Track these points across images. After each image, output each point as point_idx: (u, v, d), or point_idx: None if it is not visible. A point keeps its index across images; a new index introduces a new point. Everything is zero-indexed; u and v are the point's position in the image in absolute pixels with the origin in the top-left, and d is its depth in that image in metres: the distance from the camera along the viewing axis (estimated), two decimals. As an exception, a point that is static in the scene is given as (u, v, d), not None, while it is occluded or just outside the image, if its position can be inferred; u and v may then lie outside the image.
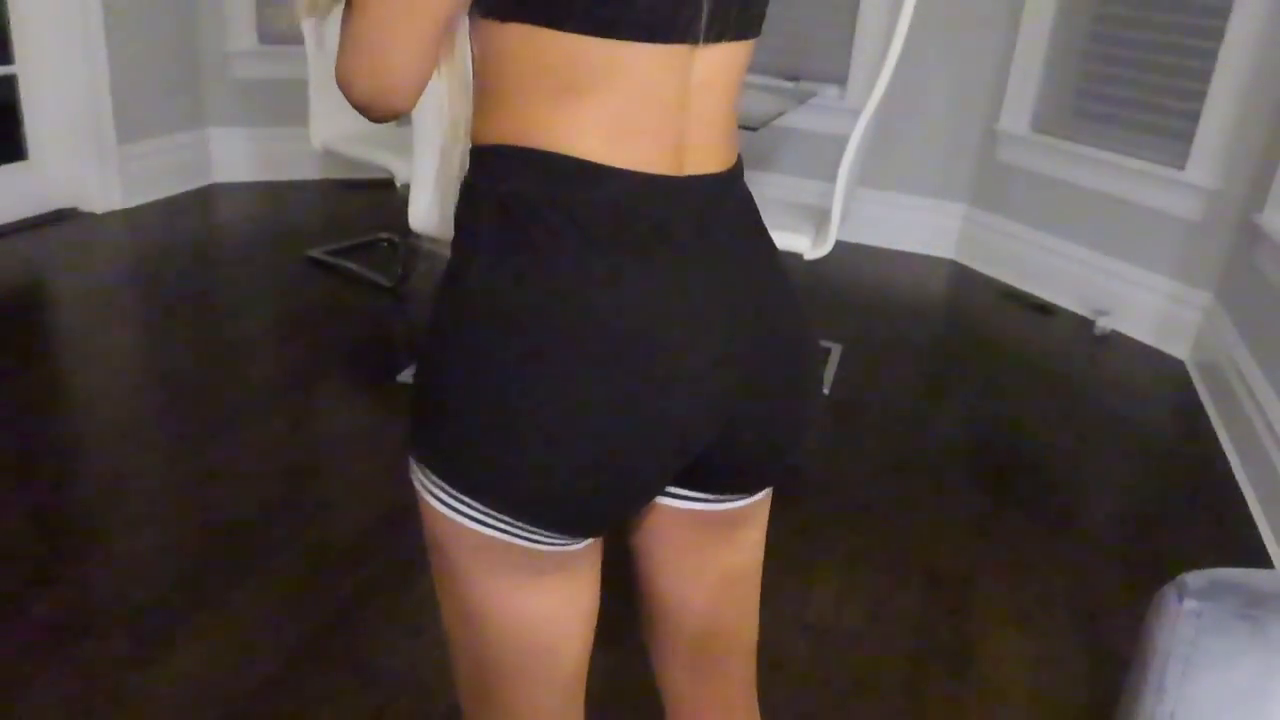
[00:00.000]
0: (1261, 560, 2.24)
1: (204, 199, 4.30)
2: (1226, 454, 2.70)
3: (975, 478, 2.47)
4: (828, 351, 3.10)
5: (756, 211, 0.83)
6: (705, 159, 0.75)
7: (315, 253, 3.65)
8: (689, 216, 0.74)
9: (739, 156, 0.81)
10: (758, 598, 1.00)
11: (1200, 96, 3.25)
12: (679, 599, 0.95)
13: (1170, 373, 3.26)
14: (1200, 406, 3.00)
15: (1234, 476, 2.59)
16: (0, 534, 1.95)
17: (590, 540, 0.81)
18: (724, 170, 0.77)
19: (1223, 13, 3.16)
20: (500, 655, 0.84)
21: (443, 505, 0.79)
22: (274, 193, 4.45)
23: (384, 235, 3.86)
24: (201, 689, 1.61)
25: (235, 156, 4.52)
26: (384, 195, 4.21)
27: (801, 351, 0.83)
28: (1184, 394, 3.10)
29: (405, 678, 1.67)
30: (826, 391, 2.84)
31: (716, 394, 0.76)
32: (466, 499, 0.76)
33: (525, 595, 0.81)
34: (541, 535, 0.76)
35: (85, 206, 3.93)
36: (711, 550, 0.92)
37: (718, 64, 0.73)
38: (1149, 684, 0.83)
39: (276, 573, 1.91)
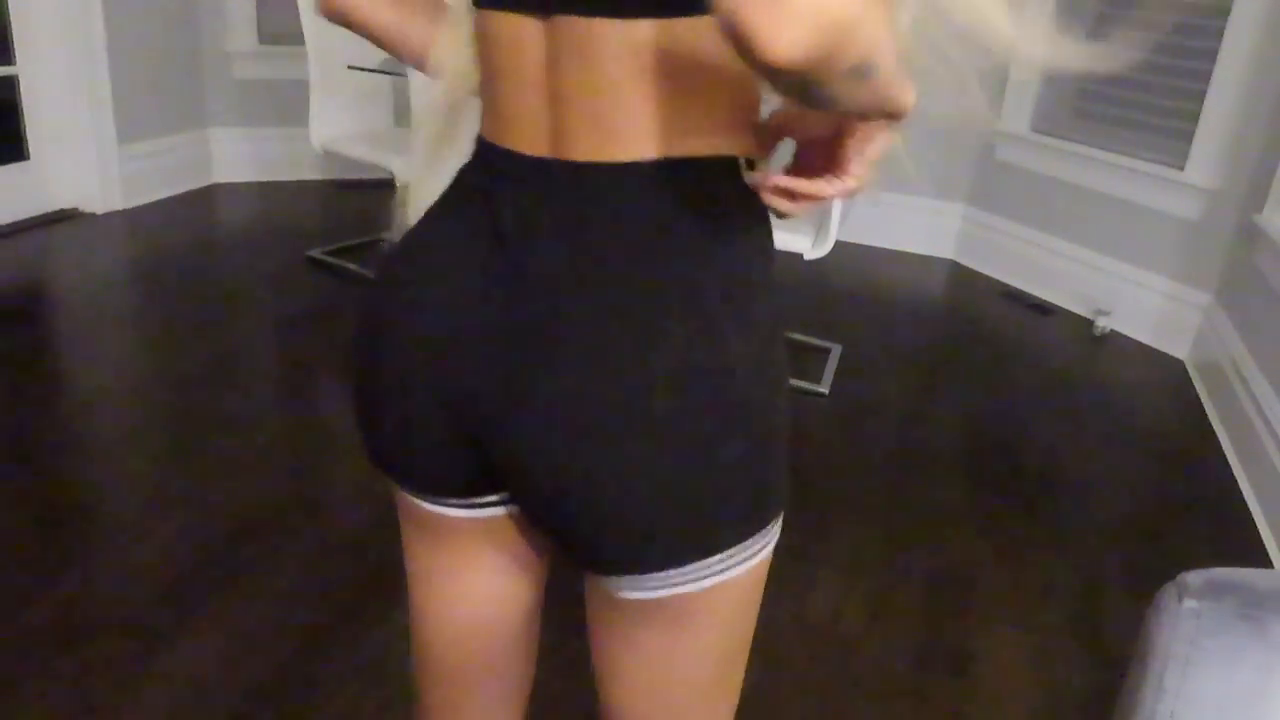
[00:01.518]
0: (1261, 560, 2.24)
1: (204, 199, 4.30)
2: (1226, 454, 2.70)
3: (975, 478, 2.47)
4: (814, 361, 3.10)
5: (667, 223, 0.68)
6: (589, 146, 0.68)
7: (315, 253, 3.65)
8: (516, 195, 0.71)
9: (684, 158, 0.68)
10: None
11: (1200, 96, 3.25)
12: (596, 680, 0.87)
13: (1170, 373, 3.26)
14: (1200, 406, 3.00)
15: (1234, 476, 2.59)
16: (0, 533, 1.95)
17: (458, 512, 0.82)
18: (611, 162, 0.68)
19: (1223, 12, 3.16)
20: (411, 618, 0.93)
21: None
22: (274, 193, 4.45)
23: (384, 235, 3.86)
24: (201, 689, 1.61)
25: (235, 156, 4.52)
26: (384, 195, 4.22)
27: (607, 404, 0.67)
28: (1183, 394, 3.11)
29: (406, 678, 1.67)
30: (826, 391, 2.84)
31: (447, 379, 0.73)
32: None
33: (411, 550, 0.89)
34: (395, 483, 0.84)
35: (85, 207, 3.94)
36: (614, 641, 0.81)
37: (577, 38, 0.66)
38: (1149, 683, 0.83)
39: (277, 572, 1.91)
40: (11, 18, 3.65)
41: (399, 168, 3.13)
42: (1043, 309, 3.71)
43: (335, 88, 3.36)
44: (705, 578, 0.73)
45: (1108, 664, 1.85)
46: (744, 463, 0.70)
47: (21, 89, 3.74)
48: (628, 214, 0.68)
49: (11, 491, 2.09)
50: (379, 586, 1.89)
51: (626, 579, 0.73)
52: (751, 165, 0.72)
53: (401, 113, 3.84)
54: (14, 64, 3.70)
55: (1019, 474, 2.52)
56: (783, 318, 0.76)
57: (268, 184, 4.55)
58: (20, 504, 2.05)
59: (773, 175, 0.67)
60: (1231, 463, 2.65)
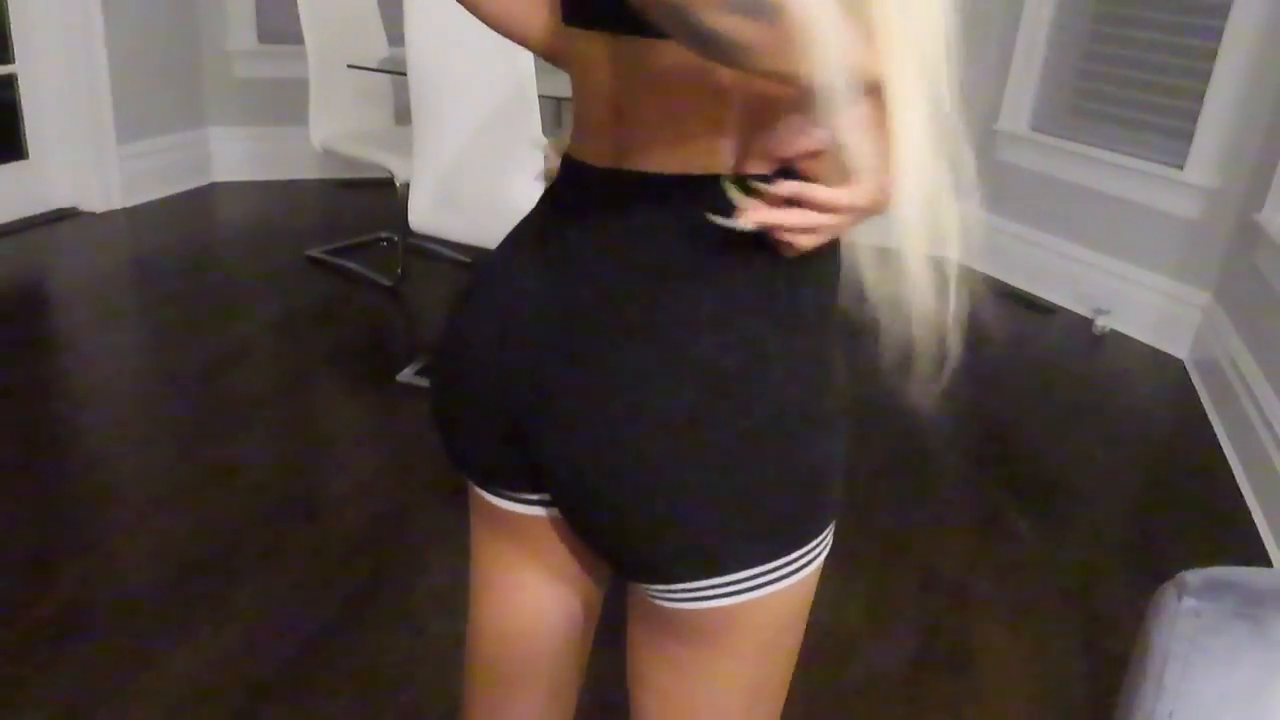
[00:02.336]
0: (1261, 559, 2.24)
1: (204, 198, 4.30)
2: (1226, 453, 2.70)
3: (975, 477, 2.47)
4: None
5: (698, 241, 0.68)
6: (641, 157, 0.69)
7: (315, 252, 3.65)
8: (579, 204, 0.73)
9: (710, 174, 0.68)
10: None
11: (1200, 96, 3.25)
12: (630, 691, 0.86)
13: (1169, 372, 3.26)
14: (1199, 406, 3.00)
15: (1233, 476, 2.59)
16: (0, 533, 1.95)
17: (520, 507, 0.84)
18: (657, 173, 0.69)
19: (1222, 12, 3.16)
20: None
21: None
22: (274, 192, 4.45)
23: (384, 235, 3.86)
24: (202, 689, 1.61)
25: (235, 156, 4.52)
26: (384, 195, 4.21)
27: (637, 419, 0.68)
28: (1183, 393, 3.11)
29: (406, 677, 1.67)
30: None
31: (495, 375, 0.75)
32: None
33: (474, 547, 0.91)
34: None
35: (85, 206, 3.93)
36: (646, 651, 0.81)
37: (630, 56, 0.68)
38: (1148, 683, 0.83)
39: (277, 572, 1.91)
40: (11, 17, 3.65)
41: (398, 167, 3.13)
42: (1043, 308, 3.71)
43: (335, 87, 3.36)
44: (739, 593, 0.71)
45: (1107, 663, 1.85)
46: (778, 475, 0.69)
47: (21, 88, 3.74)
48: (668, 222, 0.68)
49: (12, 490, 2.09)
50: (379, 586, 1.89)
51: (657, 587, 0.73)
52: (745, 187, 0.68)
53: (401, 112, 3.84)
54: (13, 63, 3.70)
55: (1018, 473, 2.52)
56: (831, 318, 0.73)
57: (267, 183, 4.55)
58: (20, 503, 2.05)
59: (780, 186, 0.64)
60: (1231, 462, 2.65)
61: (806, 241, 0.67)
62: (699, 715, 0.79)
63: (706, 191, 0.67)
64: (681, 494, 0.67)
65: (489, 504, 0.86)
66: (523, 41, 0.87)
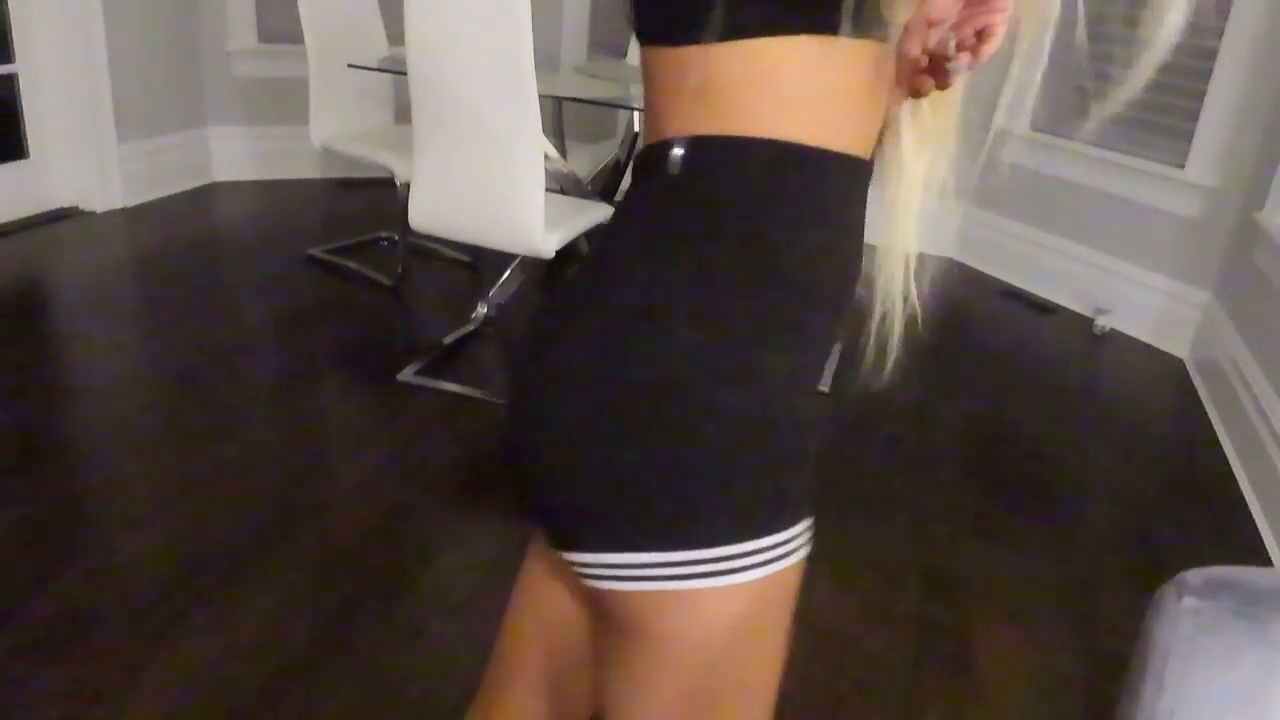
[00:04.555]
0: (1261, 558, 2.24)
1: (204, 198, 4.30)
2: (1226, 452, 2.70)
3: (975, 477, 2.47)
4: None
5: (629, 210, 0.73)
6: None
7: (315, 251, 3.65)
8: None
9: (661, 140, 0.71)
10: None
11: (1200, 95, 3.25)
12: None
13: (1169, 371, 3.26)
14: (1199, 405, 3.00)
15: (1233, 475, 2.59)
16: (1, 531, 1.95)
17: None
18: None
19: (1222, 12, 3.16)
20: None
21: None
22: (274, 191, 4.45)
23: (384, 234, 3.86)
24: (201, 689, 1.61)
25: (235, 155, 4.52)
26: (384, 194, 4.21)
27: (520, 380, 0.74)
28: (1183, 392, 3.11)
29: (406, 677, 1.67)
30: (826, 390, 2.84)
31: None
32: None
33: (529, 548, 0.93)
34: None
35: (85, 205, 3.93)
36: (594, 638, 0.83)
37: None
38: (1148, 682, 0.83)
39: (277, 572, 1.91)
40: (11, 16, 3.65)
41: (398, 167, 3.13)
42: (1043, 308, 3.71)
43: (335, 86, 3.36)
44: (645, 579, 0.70)
45: (1107, 663, 1.85)
46: (672, 455, 0.68)
47: (21, 87, 3.74)
48: (646, 191, 0.74)
49: (12, 489, 2.09)
50: (379, 586, 1.89)
51: (568, 555, 0.73)
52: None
53: (401, 111, 3.84)
54: (14, 62, 3.70)
55: (1018, 473, 2.52)
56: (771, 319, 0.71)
57: (267, 182, 4.55)
58: (20, 502, 2.05)
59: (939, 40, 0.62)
60: (1231, 461, 2.65)
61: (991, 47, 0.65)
62: (627, 716, 0.78)
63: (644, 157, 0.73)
64: (581, 452, 0.69)
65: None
66: None
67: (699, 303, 0.67)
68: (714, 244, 0.68)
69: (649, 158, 0.72)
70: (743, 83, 0.67)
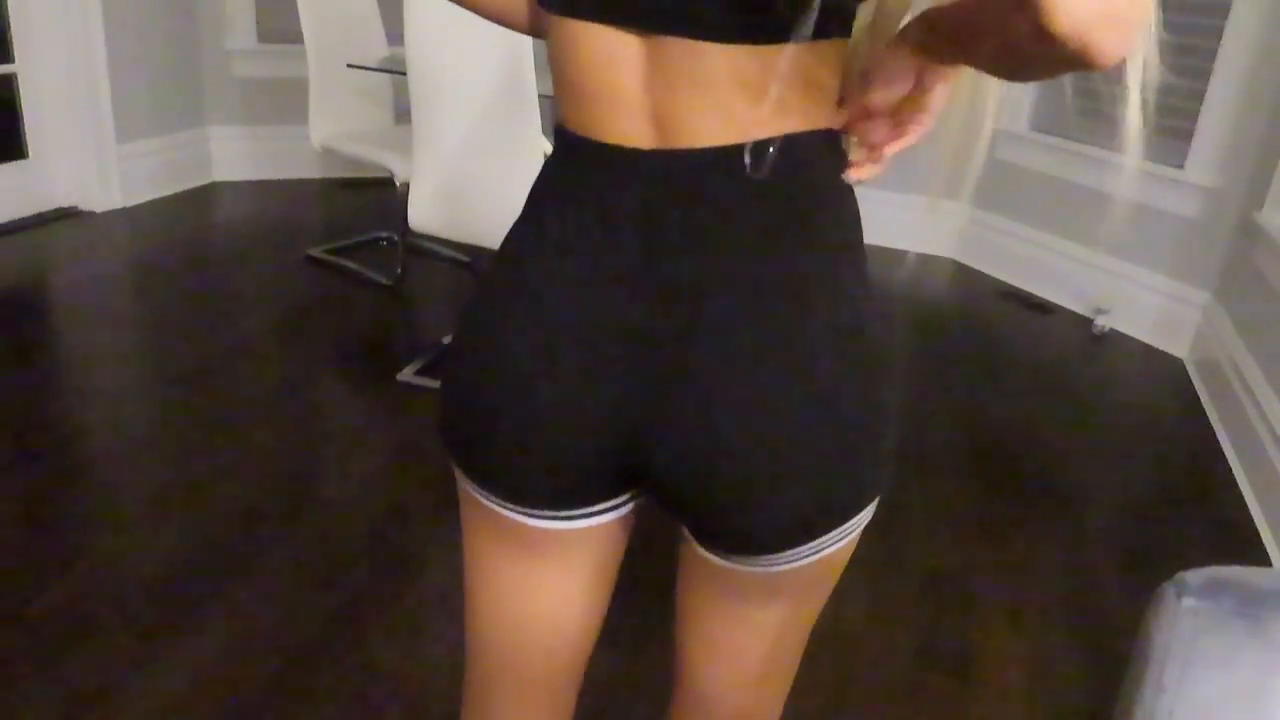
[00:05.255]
0: (1260, 559, 2.24)
1: (204, 198, 4.30)
2: (1225, 452, 2.70)
3: (975, 477, 2.47)
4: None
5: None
6: (695, 132, 0.70)
7: (315, 251, 3.65)
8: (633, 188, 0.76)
9: (785, 135, 0.71)
10: (762, 687, 0.91)
11: (1200, 95, 3.25)
12: (687, 656, 0.90)
13: (1169, 371, 3.26)
14: (1199, 405, 3.00)
15: (1233, 475, 2.59)
16: (0, 531, 1.95)
17: (564, 524, 0.81)
18: (718, 145, 0.71)
19: (1222, 12, 3.16)
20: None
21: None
22: (273, 191, 4.45)
23: (383, 234, 3.86)
24: (201, 688, 1.61)
25: (235, 155, 4.52)
26: (383, 194, 4.21)
27: (763, 414, 0.69)
28: (1183, 392, 3.11)
29: (406, 677, 1.67)
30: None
31: (593, 385, 0.72)
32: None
33: (483, 560, 0.87)
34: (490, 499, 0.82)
35: (85, 205, 3.93)
36: (725, 619, 0.84)
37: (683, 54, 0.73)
38: (1148, 682, 0.83)
39: (276, 572, 1.91)
40: (11, 16, 3.65)
41: (398, 167, 3.13)
42: (1042, 308, 3.71)
43: (335, 86, 3.36)
44: (831, 544, 0.75)
45: (1107, 663, 1.85)
46: (885, 416, 0.73)
47: (21, 87, 3.74)
48: (743, 193, 0.68)
49: (11, 490, 2.09)
50: (379, 586, 1.89)
51: (765, 558, 0.75)
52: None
53: (401, 111, 3.84)
54: (13, 62, 3.70)
55: (1018, 473, 2.52)
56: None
57: (267, 182, 4.55)
58: (20, 502, 2.05)
59: (874, 138, 0.72)
60: (1231, 462, 2.65)
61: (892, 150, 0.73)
62: (778, 665, 0.87)
63: (783, 153, 0.67)
64: (824, 451, 0.70)
65: (514, 522, 0.81)
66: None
67: (859, 260, 0.74)
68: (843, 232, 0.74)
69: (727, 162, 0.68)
70: (816, 80, 0.69)
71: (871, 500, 0.75)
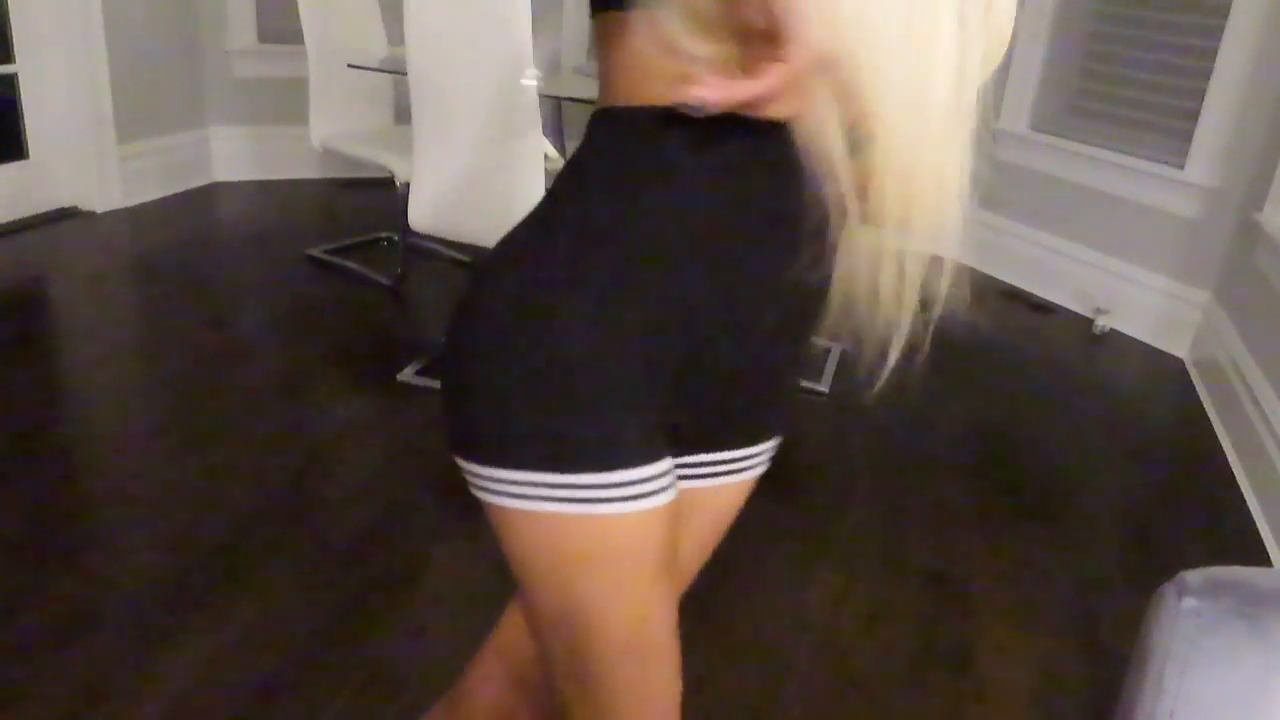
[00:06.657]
0: (1261, 559, 2.24)
1: (204, 198, 4.30)
2: (1225, 452, 2.70)
3: (975, 477, 2.47)
4: (823, 352, 3.10)
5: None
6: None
7: (315, 251, 3.65)
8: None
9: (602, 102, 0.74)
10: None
11: (1200, 95, 3.25)
12: None
13: (1169, 371, 3.26)
14: (1199, 405, 3.00)
15: (1233, 475, 2.59)
16: (0, 533, 1.95)
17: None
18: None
19: (1222, 12, 3.16)
20: None
21: None
22: (274, 191, 4.45)
23: (383, 234, 3.86)
24: (202, 688, 1.61)
25: (235, 155, 4.52)
26: (384, 194, 4.21)
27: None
28: (1183, 393, 3.11)
29: (407, 677, 1.67)
30: (826, 391, 2.84)
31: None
32: None
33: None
34: None
35: (85, 206, 3.93)
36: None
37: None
38: (1148, 682, 0.83)
39: (277, 572, 1.91)
40: (11, 16, 3.65)
41: (398, 167, 3.13)
42: (1043, 308, 3.71)
43: (335, 86, 3.36)
44: (479, 490, 0.79)
45: (1107, 663, 1.85)
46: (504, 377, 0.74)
47: (21, 88, 3.74)
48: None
49: (11, 490, 2.09)
50: (379, 586, 1.89)
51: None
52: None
53: (401, 112, 3.84)
54: (14, 62, 3.70)
55: (1018, 473, 2.52)
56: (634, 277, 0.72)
57: (267, 182, 4.55)
58: (20, 503, 2.05)
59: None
60: (1231, 462, 2.65)
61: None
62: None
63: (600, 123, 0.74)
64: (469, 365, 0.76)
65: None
66: None
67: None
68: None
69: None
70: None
71: (466, 455, 0.77)
